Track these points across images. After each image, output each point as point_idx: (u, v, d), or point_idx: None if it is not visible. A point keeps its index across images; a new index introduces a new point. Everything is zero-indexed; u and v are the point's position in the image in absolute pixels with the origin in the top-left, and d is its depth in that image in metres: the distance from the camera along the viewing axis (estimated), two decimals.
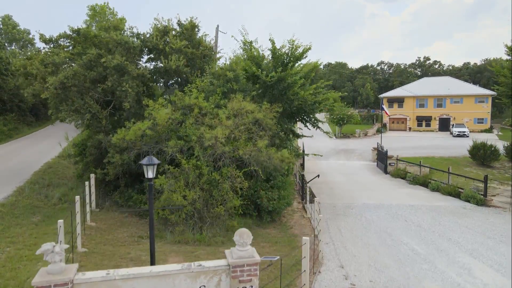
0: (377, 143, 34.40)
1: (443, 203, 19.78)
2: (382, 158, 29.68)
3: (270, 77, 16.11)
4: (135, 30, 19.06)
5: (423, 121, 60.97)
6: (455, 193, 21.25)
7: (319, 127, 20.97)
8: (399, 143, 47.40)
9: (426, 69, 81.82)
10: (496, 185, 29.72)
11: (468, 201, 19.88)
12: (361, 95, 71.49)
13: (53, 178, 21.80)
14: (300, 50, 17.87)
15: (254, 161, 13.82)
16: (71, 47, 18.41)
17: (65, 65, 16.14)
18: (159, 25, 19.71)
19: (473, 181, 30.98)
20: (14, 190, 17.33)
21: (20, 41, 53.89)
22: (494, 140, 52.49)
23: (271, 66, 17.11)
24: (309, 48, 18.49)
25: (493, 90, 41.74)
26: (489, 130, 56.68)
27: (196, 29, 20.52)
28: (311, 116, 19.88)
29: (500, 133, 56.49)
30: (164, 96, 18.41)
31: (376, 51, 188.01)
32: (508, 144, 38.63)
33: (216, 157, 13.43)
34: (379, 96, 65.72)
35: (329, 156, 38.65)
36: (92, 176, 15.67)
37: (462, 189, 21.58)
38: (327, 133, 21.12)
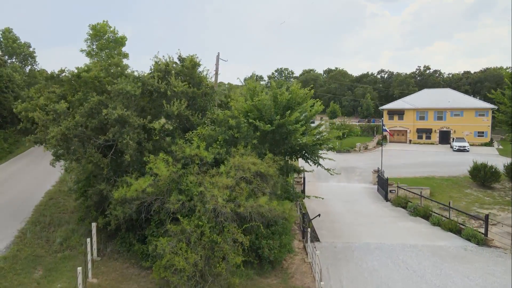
0: (378, 168, 34.37)
1: (444, 242, 19.78)
2: (382, 184, 29.69)
3: (269, 127, 16.13)
4: (135, 73, 19.07)
5: (424, 134, 61.00)
6: (456, 230, 21.25)
7: (320, 164, 20.97)
8: (399, 159, 47.46)
9: (426, 78, 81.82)
10: (497, 211, 29.77)
11: (469, 240, 19.88)
12: (362, 106, 71.46)
13: (55, 213, 21.82)
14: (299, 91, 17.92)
15: (255, 214, 13.84)
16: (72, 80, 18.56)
17: (67, 114, 16.12)
18: (160, 64, 19.73)
19: (474, 205, 31.06)
20: (15, 235, 17.34)
21: (20, 55, 53.91)
22: (495, 155, 52.50)
23: (273, 111, 17.10)
24: (311, 93, 18.51)
25: (494, 116, 41.75)
26: (490, 144, 56.70)
27: (197, 66, 20.54)
28: (313, 155, 19.88)
29: (500, 146, 56.47)
30: (165, 137, 18.43)
31: (377, 50, 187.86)
32: (508, 163, 38.67)
33: (217, 213, 13.45)
34: (379, 108, 65.76)
35: (330, 177, 38.60)
36: (94, 225, 15.68)
37: (463, 225, 21.55)
38: (328, 170, 21.07)
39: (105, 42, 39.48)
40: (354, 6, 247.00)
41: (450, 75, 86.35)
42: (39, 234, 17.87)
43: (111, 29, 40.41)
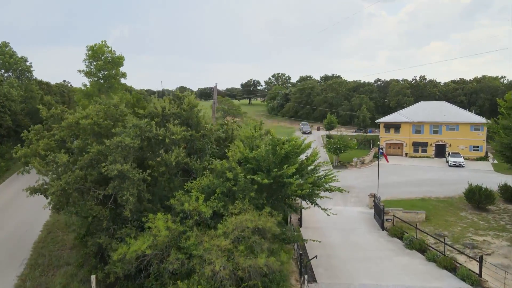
0: (374, 193, 34.65)
1: (439, 283, 20.06)
2: (379, 212, 29.99)
3: (266, 181, 16.30)
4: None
5: (420, 147, 61.44)
6: (451, 267, 21.54)
7: (317, 204, 21.16)
8: (395, 176, 47.72)
9: (422, 88, 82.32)
10: (492, 238, 30.15)
11: (464, 280, 20.17)
12: (358, 117, 71.83)
13: (53, 250, 21.95)
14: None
15: (254, 273, 14.05)
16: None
17: (67, 166, 16.25)
18: (157, 108, 19.88)
19: (469, 231, 31.42)
20: (15, 284, 17.45)
21: (17, 70, 53.79)
22: (490, 172, 53.03)
23: (271, 163, 17.27)
24: (309, 146, 18.74)
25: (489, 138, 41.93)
26: (485, 158, 57.21)
27: (195, 107, 20.72)
28: (310, 198, 20.06)
29: (495, 161, 57.01)
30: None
31: (374, 50, 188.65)
32: (503, 183, 39.13)
33: (216, 277, 13.65)
34: (376, 121, 66.12)
35: (326, 200, 38.79)
36: (93, 278, 15.85)
37: (459, 263, 21.85)
38: (324, 210, 21.25)
39: (103, 64, 39.56)
40: (351, 6, 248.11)
41: (446, 85, 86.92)
42: (38, 280, 17.99)
43: (109, 49, 40.48)
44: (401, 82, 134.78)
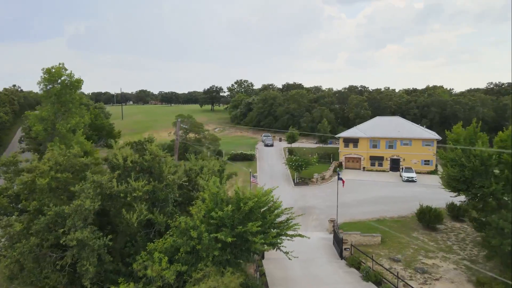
0: (334, 220, 35.97)
1: None
2: (338, 240, 31.24)
3: (230, 239, 16.65)
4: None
5: (376, 161, 64.33)
6: None
7: (279, 249, 21.69)
8: (353, 194, 49.52)
9: (378, 101, 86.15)
10: (440, 260, 32.37)
11: None
12: (319, 131, 73.95)
13: None
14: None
15: None
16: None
17: (21, 235, 15.70)
18: (119, 159, 19.65)
19: (420, 254, 33.50)
20: None
21: None
22: (438, 187, 56.35)
23: (235, 220, 17.62)
24: (279, 205, 19.26)
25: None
26: (435, 172, 60.88)
27: (157, 158, 20.67)
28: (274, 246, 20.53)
29: (444, 171, 60.88)
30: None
31: (334, 52, 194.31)
32: (450, 202, 41.95)
33: None
34: (336, 136, 68.42)
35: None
36: None
37: None
38: (286, 253, 21.75)
39: (60, 88, 38.05)
40: (312, 8, 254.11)
41: (400, 97, 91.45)
42: None
43: (67, 72, 38.97)
44: (359, 88, 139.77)
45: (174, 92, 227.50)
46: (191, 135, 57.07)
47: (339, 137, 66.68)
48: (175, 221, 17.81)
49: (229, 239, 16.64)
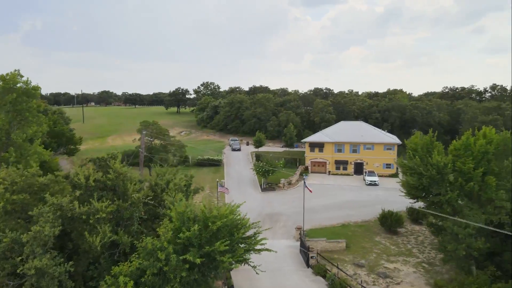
0: (301, 228, 36.58)
1: None
2: (304, 249, 31.83)
3: (198, 260, 16.57)
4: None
5: (341, 165, 66.12)
6: None
7: (247, 263, 21.78)
8: (318, 199, 50.38)
9: (342, 105, 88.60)
10: (401, 264, 33.83)
11: None
12: (285, 135, 74.97)
13: None
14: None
15: None
16: None
17: None
18: (80, 178, 18.99)
19: (382, 258, 34.82)
20: None
21: None
22: (398, 189, 58.78)
23: (203, 237, 17.52)
24: (247, 222, 19.30)
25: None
26: (396, 175, 63.37)
27: (122, 175, 20.18)
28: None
29: (403, 178, 63.54)
30: None
31: (299, 53, 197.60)
32: (409, 206, 43.88)
33: None
34: (302, 141, 69.59)
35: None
36: None
37: None
38: (254, 267, 21.83)
39: (16, 95, 35.99)
40: (278, 10, 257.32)
41: (363, 101, 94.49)
42: None
43: (23, 79, 36.93)
44: (324, 90, 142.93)
45: (139, 94, 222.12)
46: (157, 141, 56.00)
47: (305, 142, 67.93)
48: (141, 241, 17.45)
49: (198, 261, 16.55)
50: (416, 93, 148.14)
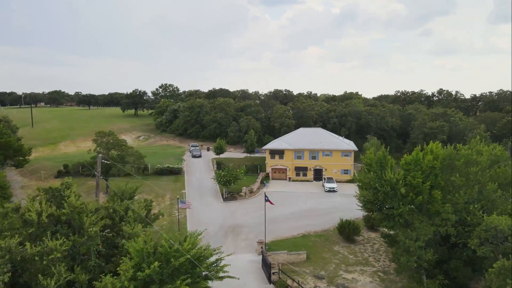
0: (262, 241, 37.07)
1: None
2: (266, 265, 32.25)
3: None
4: None
5: (301, 172, 67.55)
6: None
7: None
8: (279, 208, 50.70)
9: (302, 111, 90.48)
10: (358, 274, 35.21)
11: None
12: (246, 142, 75.32)
13: None
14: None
15: None
16: None
17: None
18: (32, 215, 18.04)
19: (341, 268, 36.07)
20: None
21: None
22: (355, 196, 61.20)
23: (165, 273, 17.27)
24: (210, 253, 19.22)
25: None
26: (352, 181, 65.79)
27: (78, 209, 19.41)
28: None
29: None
30: None
31: (259, 52, 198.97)
32: (365, 214, 45.76)
33: None
34: (262, 148, 70.27)
35: (216, 244, 39.50)
36: None
37: None
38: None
39: None
40: (237, 8, 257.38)
41: (321, 106, 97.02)
42: None
43: None
44: (284, 92, 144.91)
45: (93, 95, 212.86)
46: (114, 152, 54.12)
47: (266, 149, 68.67)
48: (101, 281, 16.88)
49: None
50: (371, 95, 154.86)
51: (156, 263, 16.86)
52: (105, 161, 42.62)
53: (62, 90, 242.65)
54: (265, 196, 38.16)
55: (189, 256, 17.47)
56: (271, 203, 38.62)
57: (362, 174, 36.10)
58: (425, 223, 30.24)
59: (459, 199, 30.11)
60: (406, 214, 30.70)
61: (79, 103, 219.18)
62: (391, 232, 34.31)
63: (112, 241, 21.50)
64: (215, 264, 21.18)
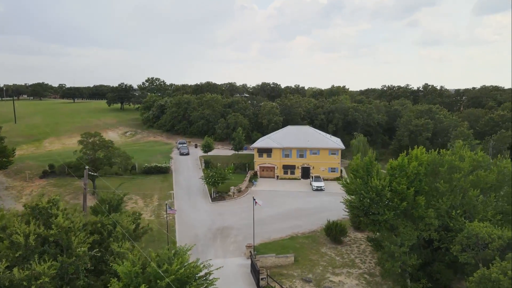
0: (250, 245, 37.44)
1: None
2: (255, 270, 32.68)
3: None
4: None
5: (289, 170, 68.05)
6: None
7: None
8: (267, 208, 51.09)
9: (289, 108, 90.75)
10: (345, 277, 35.98)
11: None
12: (234, 139, 75.31)
13: None
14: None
15: None
16: None
17: None
18: (19, 238, 17.90)
19: (328, 271, 36.72)
20: None
21: None
22: (342, 195, 62.07)
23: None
24: (200, 270, 19.38)
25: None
26: (339, 179, 66.64)
27: (66, 229, 19.32)
28: None
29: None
30: None
31: (246, 42, 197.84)
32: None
33: None
34: (251, 146, 70.40)
35: (205, 247, 39.97)
36: None
37: None
38: None
39: None
40: None
41: (309, 102, 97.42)
42: None
43: None
44: (271, 85, 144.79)
45: (78, 87, 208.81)
46: (100, 152, 53.53)
47: (254, 148, 68.85)
48: None
49: None
50: (358, 87, 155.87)
51: (144, 286, 16.98)
52: (92, 173, 42.14)
53: (46, 82, 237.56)
54: (254, 199, 38.46)
55: (174, 277, 17.63)
56: (260, 204, 39.00)
57: (349, 179, 36.59)
58: (409, 227, 31.00)
59: (442, 204, 30.91)
60: (391, 220, 31.40)
61: (63, 96, 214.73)
62: (377, 234, 35.06)
63: (101, 257, 21.50)
64: (204, 278, 21.46)
